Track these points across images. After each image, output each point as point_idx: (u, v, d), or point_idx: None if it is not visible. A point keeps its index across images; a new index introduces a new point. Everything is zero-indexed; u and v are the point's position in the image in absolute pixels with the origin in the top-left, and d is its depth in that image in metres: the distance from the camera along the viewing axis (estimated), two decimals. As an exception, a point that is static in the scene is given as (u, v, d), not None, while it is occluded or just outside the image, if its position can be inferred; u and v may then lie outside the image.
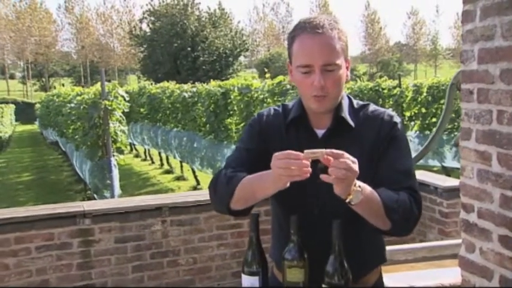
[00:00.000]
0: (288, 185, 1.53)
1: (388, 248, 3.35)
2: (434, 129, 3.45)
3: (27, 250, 3.94)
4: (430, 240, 4.66)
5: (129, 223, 4.21)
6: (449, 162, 10.95)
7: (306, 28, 1.68)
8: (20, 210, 4.14)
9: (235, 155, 1.84)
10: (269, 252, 1.85)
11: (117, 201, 4.80)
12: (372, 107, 1.82)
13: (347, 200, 1.53)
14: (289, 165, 1.45)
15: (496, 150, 2.25)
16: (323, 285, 1.60)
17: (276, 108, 1.89)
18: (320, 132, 1.77)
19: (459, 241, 2.68)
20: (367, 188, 1.57)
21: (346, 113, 1.77)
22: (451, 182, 4.73)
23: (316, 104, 1.71)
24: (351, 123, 1.76)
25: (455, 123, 9.95)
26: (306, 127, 1.78)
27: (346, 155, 1.47)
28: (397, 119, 1.80)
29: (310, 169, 1.45)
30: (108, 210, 4.18)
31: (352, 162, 1.46)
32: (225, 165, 1.80)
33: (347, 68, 1.75)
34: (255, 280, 1.71)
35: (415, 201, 1.72)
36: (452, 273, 2.70)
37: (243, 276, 1.73)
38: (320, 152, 1.46)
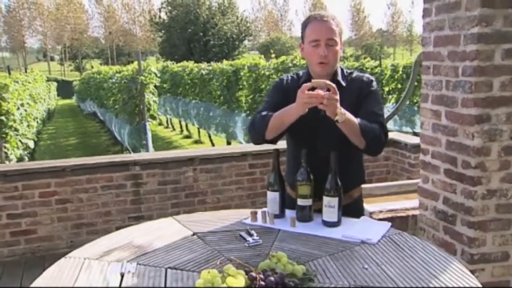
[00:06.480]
0: (306, 110, 1.90)
1: (369, 185, 3.74)
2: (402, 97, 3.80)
3: (94, 188, 4.33)
4: (401, 184, 5.04)
5: (168, 170, 4.54)
6: (419, 129, 11.21)
7: (316, 18, 2.11)
8: (89, 159, 4.51)
9: (265, 106, 2.18)
10: (284, 177, 2.17)
11: (159, 154, 5.10)
12: (356, 73, 2.20)
13: (335, 119, 1.89)
14: (311, 96, 1.84)
15: (444, 109, 2.65)
16: (323, 197, 1.95)
17: (292, 75, 2.27)
18: (322, 91, 2.13)
19: (419, 180, 3.07)
20: (350, 114, 1.95)
21: (340, 78, 2.14)
22: (418, 140, 5.06)
23: (320, 68, 2.10)
24: (343, 83, 2.13)
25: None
26: (312, 88, 2.17)
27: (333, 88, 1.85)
28: (373, 78, 2.17)
29: (323, 99, 1.83)
30: (152, 160, 4.53)
31: (334, 94, 1.85)
32: (258, 112, 2.15)
33: (341, 48, 2.14)
34: (276, 195, 2.07)
35: (383, 131, 2.06)
36: (414, 202, 3.09)
37: (268, 192, 2.07)
38: (323, 82, 1.88)
